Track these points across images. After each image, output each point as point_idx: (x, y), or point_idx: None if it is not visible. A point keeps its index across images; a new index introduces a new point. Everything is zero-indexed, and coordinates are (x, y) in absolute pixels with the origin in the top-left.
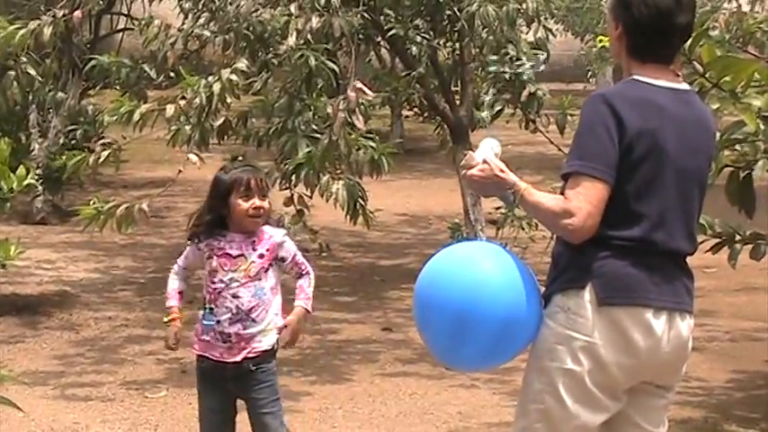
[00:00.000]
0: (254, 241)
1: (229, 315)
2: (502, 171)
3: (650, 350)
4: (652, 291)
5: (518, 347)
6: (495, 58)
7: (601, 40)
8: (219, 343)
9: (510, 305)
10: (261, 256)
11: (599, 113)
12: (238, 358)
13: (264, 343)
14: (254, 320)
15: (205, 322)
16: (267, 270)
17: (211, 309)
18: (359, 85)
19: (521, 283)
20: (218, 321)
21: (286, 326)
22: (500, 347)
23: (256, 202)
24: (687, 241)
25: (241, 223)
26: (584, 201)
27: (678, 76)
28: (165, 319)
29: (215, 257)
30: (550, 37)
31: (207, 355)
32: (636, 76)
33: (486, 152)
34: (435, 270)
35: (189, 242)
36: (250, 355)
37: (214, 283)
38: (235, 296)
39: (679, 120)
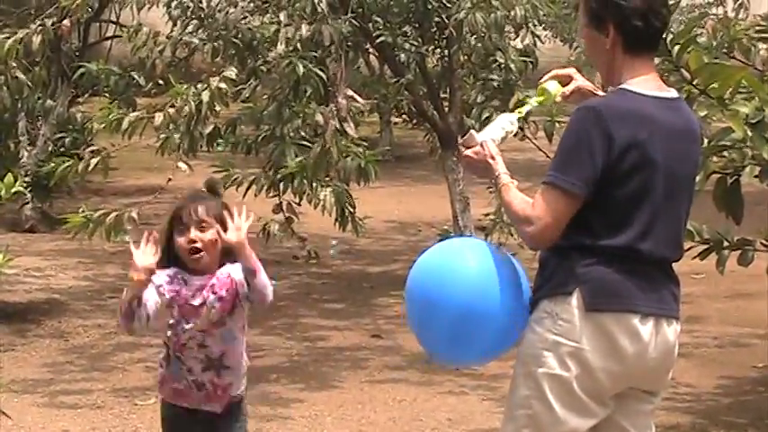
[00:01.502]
0: (213, 285)
1: (201, 364)
2: (492, 158)
3: (637, 356)
4: (639, 297)
5: (486, 340)
6: None
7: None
8: (194, 391)
9: (473, 293)
10: (220, 299)
11: (586, 127)
12: (218, 410)
13: (241, 390)
14: (227, 367)
15: (174, 370)
16: (232, 312)
17: (178, 357)
18: (349, 92)
19: (494, 276)
20: (189, 369)
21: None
22: (461, 335)
23: (191, 234)
24: (674, 249)
25: (191, 261)
26: (545, 212)
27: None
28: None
29: (175, 306)
30: (539, 43)
31: (178, 403)
32: (625, 86)
33: (492, 133)
34: (419, 261)
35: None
36: (229, 405)
37: (177, 334)
38: (201, 345)
39: (668, 129)
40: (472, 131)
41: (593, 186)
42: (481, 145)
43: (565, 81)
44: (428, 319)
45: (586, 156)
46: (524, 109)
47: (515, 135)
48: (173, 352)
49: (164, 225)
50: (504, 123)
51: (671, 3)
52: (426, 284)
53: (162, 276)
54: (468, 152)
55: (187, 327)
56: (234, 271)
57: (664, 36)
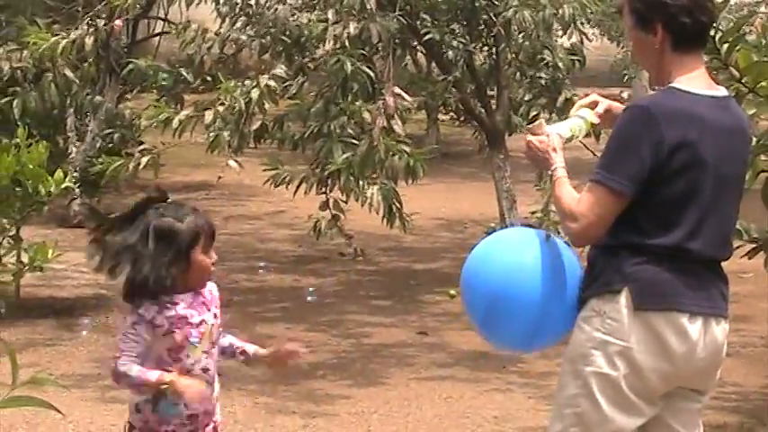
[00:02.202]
0: (203, 301)
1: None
2: (554, 150)
3: (686, 355)
4: (687, 296)
5: (521, 321)
6: None
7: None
8: (184, 429)
9: (506, 274)
10: (216, 316)
11: (636, 127)
12: None
13: (218, 413)
14: (214, 388)
15: (169, 412)
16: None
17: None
18: (397, 90)
19: (533, 259)
20: (186, 404)
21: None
22: (494, 314)
23: (214, 255)
24: (723, 248)
25: (200, 281)
26: (590, 210)
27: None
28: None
29: (177, 330)
30: (586, 42)
31: None
32: (675, 84)
33: (560, 129)
34: (481, 251)
35: (133, 318)
36: None
37: (180, 361)
38: (205, 370)
39: (718, 128)
40: (542, 120)
41: (639, 186)
42: (547, 135)
43: (592, 107)
44: (467, 297)
45: (634, 155)
46: (582, 130)
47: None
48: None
49: (185, 241)
50: (574, 125)
51: (720, 1)
52: (468, 268)
53: (150, 311)
54: (533, 139)
55: (192, 352)
56: (214, 288)
57: (712, 34)
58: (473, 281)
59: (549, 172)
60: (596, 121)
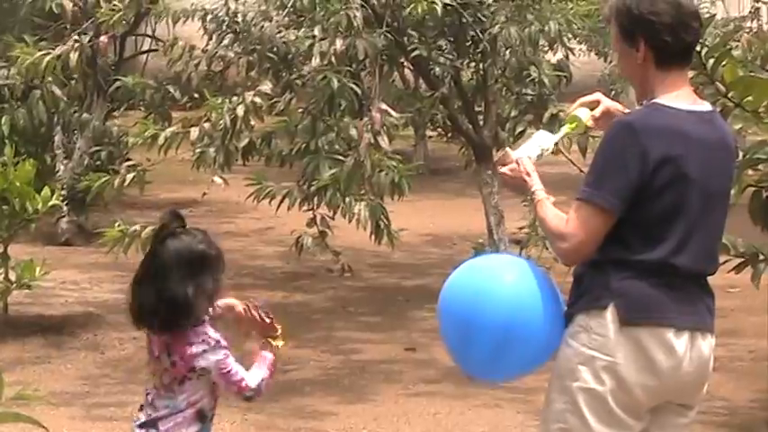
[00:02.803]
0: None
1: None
2: (528, 175)
3: (672, 370)
4: (673, 310)
5: (526, 357)
6: None
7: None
8: None
9: (550, 320)
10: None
11: (621, 143)
12: None
13: None
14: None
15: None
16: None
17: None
18: (384, 106)
19: (554, 298)
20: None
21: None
22: (502, 354)
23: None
24: (709, 262)
25: (202, 314)
26: (580, 229)
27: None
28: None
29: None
30: (573, 57)
31: None
32: (659, 101)
33: (528, 150)
34: (474, 284)
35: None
36: None
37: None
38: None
39: (702, 143)
40: (508, 149)
41: (627, 202)
42: (516, 162)
43: (593, 106)
44: (468, 341)
45: (621, 172)
46: (558, 135)
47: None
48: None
49: (220, 261)
50: (542, 141)
51: (706, 16)
52: (464, 306)
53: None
54: (504, 169)
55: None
56: (195, 345)
57: (698, 49)
58: (478, 319)
59: (529, 196)
60: (591, 124)
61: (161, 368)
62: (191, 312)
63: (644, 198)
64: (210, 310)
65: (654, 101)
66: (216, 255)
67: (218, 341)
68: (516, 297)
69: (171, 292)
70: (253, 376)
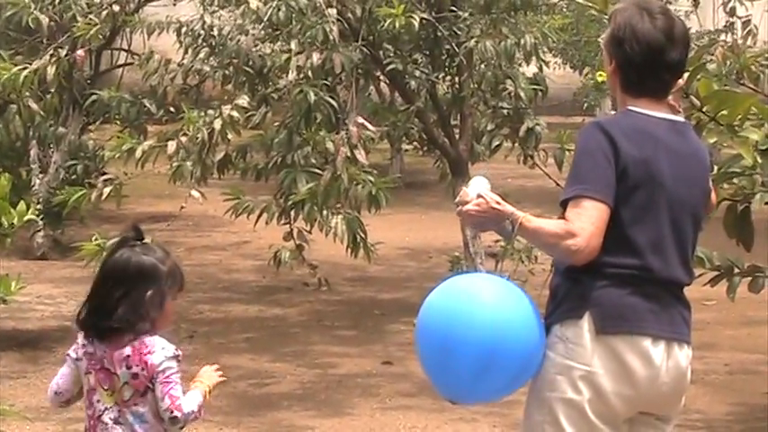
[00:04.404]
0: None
1: None
2: (498, 203)
3: (649, 380)
4: (650, 320)
5: (530, 377)
6: None
7: (600, 75)
8: None
9: (532, 339)
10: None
11: (596, 140)
12: None
13: None
14: None
15: None
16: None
17: None
18: (360, 119)
19: (534, 316)
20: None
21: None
22: (519, 380)
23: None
24: (683, 271)
25: (166, 326)
26: (587, 222)
27: (678, 110)
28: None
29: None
30: (549, 70)
31: None
32: (631, 107)
33: (480, 187)
34: (454, 307)
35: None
36: None
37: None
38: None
39: (673, 150)
40: (464, 188)
41: (614, 195)
42: (479, 196)
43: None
44: (447, 365)
45: (601, 167)
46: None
47: (524, 162)
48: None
49: (165, 284)
50: (482, 181)
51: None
52: (442, 333)
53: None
54: (470, 206)
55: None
56: (156, 354)
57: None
58: (457, 346)
59: (509, 221)
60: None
61: (119, 384)
62: (124, 320)
63: (616, 198)
64: (157, 323)
65: (627, 108)
66: (168, 270)
67: (176, 354)
68: (495, 323)
69: (103, 299)
70: (188, 402)
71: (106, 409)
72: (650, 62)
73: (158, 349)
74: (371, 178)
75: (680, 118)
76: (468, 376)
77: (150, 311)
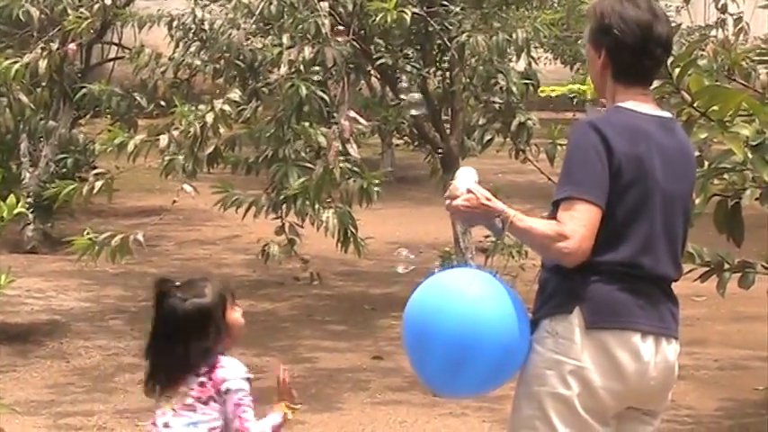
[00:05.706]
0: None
1: None
2: (488, 199)
3: (638, 374)
4: (639, 315)
5: (511, 373)
6: None
7: (588, 88)
8: None
9: (508, 335)
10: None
11: (588, 140)
12: None
13: None
14: None
15: None
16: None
17: None
18: (352, 113)
19: (514, 312)
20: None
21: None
22: (498, 375)
23: (237, 308)
24: (672, 266)
25: (238, 337)
26: (578, 224)
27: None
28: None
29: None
30: (540, 66)
31: None
32: (620, 104)
33: (468, 181)
34: (430, 301)
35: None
36: None
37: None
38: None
39: (664, 146)
40: (453, 183)
41: (606, 194)
42: (468, 191)
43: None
44: (423, 353)
45: (594, 168)
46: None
47: (516, 157)
48: None
49: (213, 322)
50: (470, 173)
51: (672, 25)
52: (418, 319)
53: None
54: (459, 201)
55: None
56: (230, 375)
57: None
58: (431, 335)
59: (499, 218)
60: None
61: (186, 389)
62: (200, 364)
63: (609, 196)
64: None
65: (616, 104)
66: (212, 301)
67: (248, 377)
68: (466, 317)
69: (169, 359)
70: (258, 426)
71: (160, 413)
72: (641, 39)
73: (229, 366)
74: (363, 172)
75: (667, 114)
76: (443, 370)
77: (217, 344)
